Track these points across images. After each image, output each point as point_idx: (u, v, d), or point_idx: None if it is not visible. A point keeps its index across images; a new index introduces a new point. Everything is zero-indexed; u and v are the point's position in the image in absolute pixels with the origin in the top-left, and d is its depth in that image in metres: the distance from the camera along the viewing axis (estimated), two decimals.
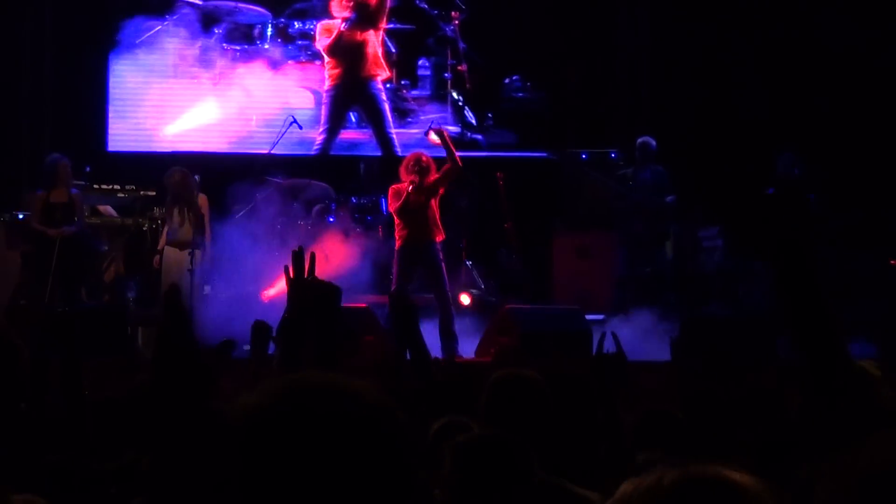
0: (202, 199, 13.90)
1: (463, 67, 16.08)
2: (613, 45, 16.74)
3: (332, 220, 15.04)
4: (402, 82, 16.30)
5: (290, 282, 4.70)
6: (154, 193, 14.73)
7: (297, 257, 4.62)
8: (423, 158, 12.95)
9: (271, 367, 5.62)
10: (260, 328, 6.12)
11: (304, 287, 4.87)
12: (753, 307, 13.78)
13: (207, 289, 14.25)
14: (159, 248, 13.90)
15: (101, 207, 14.96)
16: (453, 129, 15.59)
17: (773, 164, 14.24)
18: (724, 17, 15.80)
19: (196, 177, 13.99)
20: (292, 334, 4.72)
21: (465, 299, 14.36)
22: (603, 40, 16.61)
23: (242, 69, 16.17)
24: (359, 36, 15.86)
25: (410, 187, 12.70)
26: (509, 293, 14.55)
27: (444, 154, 13.11)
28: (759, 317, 12.93)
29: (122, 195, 14.95)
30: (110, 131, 16.10)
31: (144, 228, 14.73)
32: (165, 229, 13.87)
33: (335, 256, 14.46)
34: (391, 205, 12.99)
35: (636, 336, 12.25)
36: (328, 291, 4.89)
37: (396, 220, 12.95)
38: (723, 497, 2.15)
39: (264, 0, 16.35)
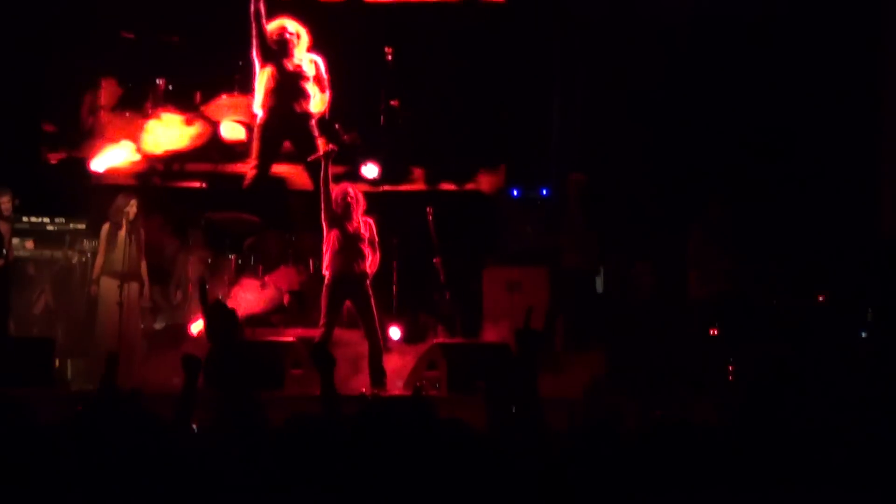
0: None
1: (395, 102, 16.11)
2: (547, 83, 16.82)
3: (262, 253, 15.10)
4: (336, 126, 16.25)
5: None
6: (84, 226, 14.69)
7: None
8: (351, 192, 12.99)
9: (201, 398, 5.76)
10: (189, 361, 6.17)
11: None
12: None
13: (140, 322, 14.25)
14: (94, 276, 13.86)
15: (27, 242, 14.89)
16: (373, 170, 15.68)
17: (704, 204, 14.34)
18: (658, 54, 15.92)
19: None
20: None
21: (395, 333, 14.37)
22: (537, 78, 16.70)
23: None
24: (292, 69, 15.96)
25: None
26: (438, 327, 14.60)
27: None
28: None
29: (52, 228, 14.88)
30: (41, 163, 16.00)
31: (74, 261, 14.69)
32: (100, 259, 13.80)
33: (264, 290, 14.51)
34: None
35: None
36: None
37: (326, 252, 12.96)
38: None
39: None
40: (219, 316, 6.15)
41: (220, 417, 5.56)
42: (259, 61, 16.00)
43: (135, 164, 15.96)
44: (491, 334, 14.32)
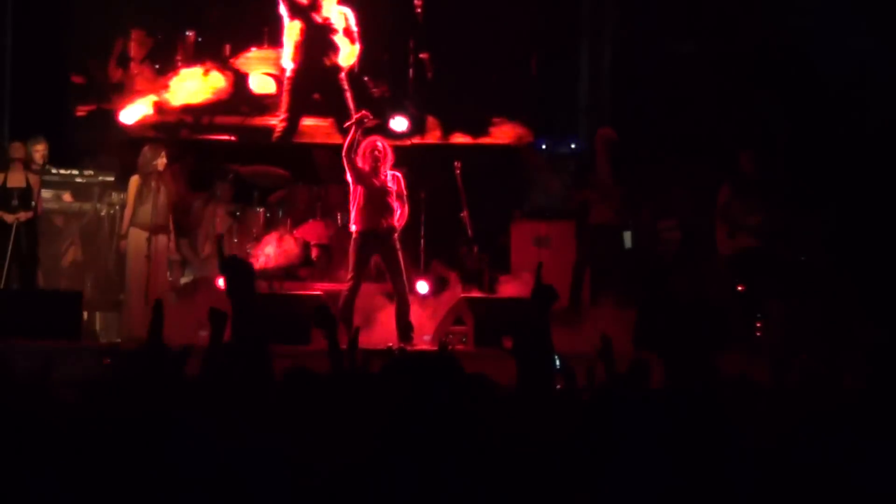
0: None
1: (425, 55, 16.09)
2: (576, 35, 16.75)
3: (290, 207, 15.10)
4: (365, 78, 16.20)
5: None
6: (112, 178, 14.70)
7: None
8: (379, 145, 12.94)
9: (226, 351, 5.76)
10: (216, 315, 6.19)
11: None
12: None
13: (168, 275, 14.27)
14: (123, 232, 13.85)
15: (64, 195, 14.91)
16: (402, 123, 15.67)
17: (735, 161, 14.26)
18: (692, 11, 15.82)
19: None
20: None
21: (422, 287, 14.34)
22: (566, 30, 16.63)
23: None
24: (321, 22, 15.91)
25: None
26: (466, 282, 14.57)
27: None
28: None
29: (81, 180, 14.89)
30: (70, 116, 16.01)
31: (102, 214, 14.72)
32: (129, 212, 13.76)
33: (283, 244, 14.49)
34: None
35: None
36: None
37: (353, 206, 12.93)
38: None
39: None
40: (234, 270, 6.17)
41: (226, 367, 5.58)
42: (288, 14, 15.95)
43: (164, 116, 15.96)
44: (509, 289, 14.29)
